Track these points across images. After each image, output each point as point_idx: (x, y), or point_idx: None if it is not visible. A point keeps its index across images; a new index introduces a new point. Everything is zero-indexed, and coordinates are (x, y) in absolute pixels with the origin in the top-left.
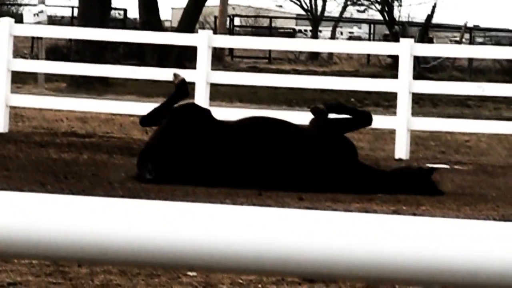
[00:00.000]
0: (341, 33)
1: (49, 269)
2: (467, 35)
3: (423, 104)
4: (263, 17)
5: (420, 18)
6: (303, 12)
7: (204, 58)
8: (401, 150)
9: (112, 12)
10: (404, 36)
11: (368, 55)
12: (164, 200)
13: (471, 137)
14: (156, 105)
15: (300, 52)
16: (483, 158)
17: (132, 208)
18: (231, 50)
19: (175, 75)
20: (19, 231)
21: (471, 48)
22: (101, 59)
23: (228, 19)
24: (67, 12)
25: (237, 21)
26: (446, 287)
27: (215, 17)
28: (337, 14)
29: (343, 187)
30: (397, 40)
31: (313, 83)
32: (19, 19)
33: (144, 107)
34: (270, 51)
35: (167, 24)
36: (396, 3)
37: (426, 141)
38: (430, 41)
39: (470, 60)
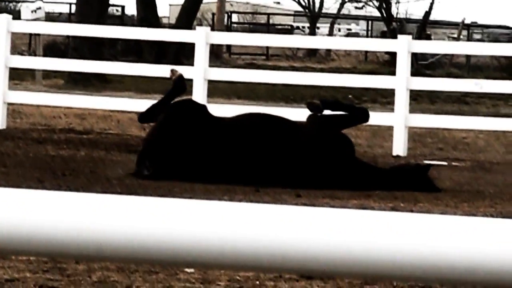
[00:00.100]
0: (339, 30)
1: (46, 266)
2: (465, 32)
3: (421, 101)
4: (261, 14)
5: (418, 15)
6: (301, 9)
7: (201, 54)
8: (399, 147)
9: (110, 8)
10: (402, 33)
11: (366, 51)
12: (162, 196)
13: (468, 134)
14: (154, 101)
15: (298, 49)
16: (480, 155)
17: (130, 205)
18: (228, 46)
19: (173, 71)
20: (17, 227)
21: (469, 45)
22: (99, 56)
23: (225, 15)
24: (64, 9)
25: (234, 17)
26: (444, 284)
27: (213, 14)
28: (335, 11)
29: (340, 183)
30: (395, 37)
31: (311, 80)
32: (17, 15)
33: (142, 104)
34: (267, 47)
35: (165, 20)
36: (394, 0)
37: (423, 138)
38: (428, 38)
39: (468, 57)
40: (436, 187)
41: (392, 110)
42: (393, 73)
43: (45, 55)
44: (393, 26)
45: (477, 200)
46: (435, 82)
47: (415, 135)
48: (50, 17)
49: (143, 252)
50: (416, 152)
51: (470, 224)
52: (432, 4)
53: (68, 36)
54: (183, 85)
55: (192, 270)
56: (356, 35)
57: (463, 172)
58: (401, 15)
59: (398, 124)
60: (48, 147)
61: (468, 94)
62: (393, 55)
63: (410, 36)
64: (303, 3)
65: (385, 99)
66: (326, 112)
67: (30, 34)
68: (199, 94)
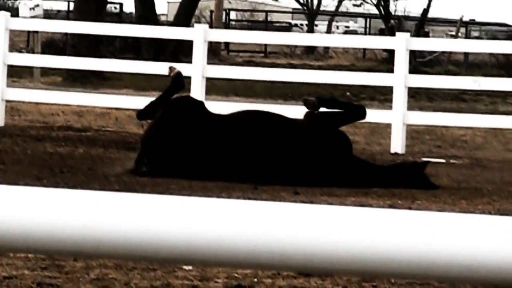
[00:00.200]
0: (337, 27)
1: (44, 263)
2: (463, 29)
3: (419, 98)
4: (259, 11)
5: (416, 12)
6: (299, 6)
7: (200, 52)
8: (397, 144)
9: (108, 6)
10: (400, 30)
11: (364, 49)
12: (160, 194)
13: (466, 131)
14: (152, 99)
15: (296, 46)
16: (478, 152)
17: (128, 202)
18: (227, 44)
19: (171, 69)
20: (15, 224)
21: (467, 42)
22: (97, 53)
23: (224, 13)
24: (63, 6)
25: (233, 15)
26: (443, 281)
27: (211, 11)
28: (333, 8)
29: (337, 180)
30: (393, 34)
31: (309, 77)
32: (15, 13)
33: (140, 101)
34: (266, 45)
35: (163, 18)
36: None
37: (422, 135)
38: (426, 35)
39: (466, 54)
40: (433, 184)
41: (390, 107)
42: (391, 70)
43: (43, 52)
44: (391, 24)
45: (475, 197)
46: (433, 80)
47: (413, 133)
48: (48, 15)
49: (141, 250)
50: (414, 150)
51: (468, 222)
52: (430, 1)
53: (66, 34)
54: (181, 82)
55: (190, 267)
56: (354, 32)
57: (461, 170)
58: (399, 13)
59: (396, 121)
60: (46, 144)
61: (466, 91)
62: (391, 53)
63: (408, 34)
64: (301, 1)
65: (383, 96)
66: (323, 109)
67: (29, 32)
68: (197, 92)
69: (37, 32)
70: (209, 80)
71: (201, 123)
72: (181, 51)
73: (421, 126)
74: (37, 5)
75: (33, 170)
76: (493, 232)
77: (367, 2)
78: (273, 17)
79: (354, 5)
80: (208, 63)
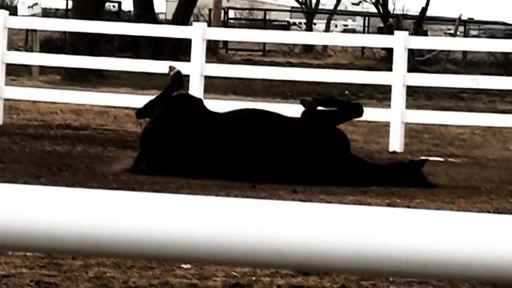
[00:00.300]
0: (336, 26)
1: (43, 262)
2: (461, 28)
3: (417, 97)
4: (258, 9)
5: (415, 11)
6: (297, 5)
7: (198, 50)
8: (395, 143)
9: (107, 4)
10: (399, 29)
11: (363, 48)
12: (158, 192)
13: (465, 130)
14: (150, 97)
15: (295, 45)
16: (477, 151)
17: (126, 201)
18: (225, 42)
19: (171, 68)
20: (13, 223)
21: (465, 41)
22: (95, 52)
23: (222, 11)
24: (61, 5)
25: (231, 13)
26: (441, 280)
27: (210, 10)
28: (331, 7)
29: (334, 178)
30: (392, 33)
31: (308, 76)
32: (13, 11)
33: (138, 100)
34: (264, 43)
35: (161, 16)
36: None
37: (420, 134)
38: (425, 34)
39: (465, 53)
40: (430, 183)
41: (388, 106)
42: (389, 69)
43: (41, 51)
44: (389, 22)
45: (473, 196)
46: (431, 78)
47: (412, 131)
48: (47, 13)
49: (139, 248)
50: (413, 148)
51: (466, 220)
52: (428, 0)
53: (64, 32)
54: (181, 80)
55: (188, 265)
56: (352, 31)
57: (460, 168)
58: (398, 11)
59: (395, 120)
60: (44, 143)
61: (464, 90)
62: (389, 51)
63: (407, 32)
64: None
65: (381, 95)
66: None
67: (27, 30)
68: (195, 90)
69: (35, 30)
70: (207, 79)
71: (200, 121)
72: (179, 49)
73: (419, 125)
74: (36, 4)
75: (32, 168)
76: (491, 230)
77: (365, 1)
78: (272, 16)
79: (353, 4)
80: (207, 61)
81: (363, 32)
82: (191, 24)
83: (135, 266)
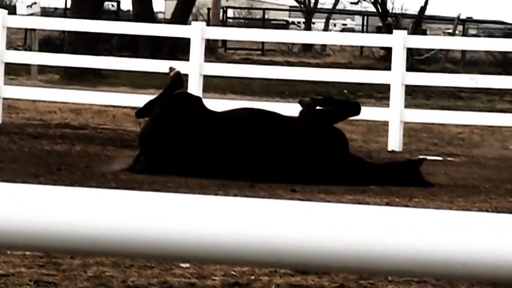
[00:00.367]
0: (334, 25)
1: (41, 261)
2: (460, 27)
3: (416, 96)
4: (257, 9)
5: (413, 10)
6: (296, 4)
7: (197, 50)
8: (394, 142)
9: (105, 3)
10: (397, 28)
11: (361, 47)
12: (157, 191)
13: (464, 129)
14: (149, 96)
15: (293, 44)
16: (475, 150)
17: (125, 200)
18: (224, 42)
19: (171, 68)
20: (12, 222)
21: (464, 40)
22: (94, 51)
23: (221, 10)
24: (60, 4)
25: (230, 12)
26: (440, 279)
27: (208, 9)
28: (330, 6)
29: (332, 177)
30: (390, 32)
31: (306, 75)
32: (12, 10)
33: (137, 99)
34: (263, 43)
35: (160, 16)
36: None
37: (419, 133)
38: (423, 33)
39: (463, 52)
40: (427, 182)
41: (387, 105)
42: (388, 68)
43: (40, 50)
44: (388, 21)
45: (472, 195)
46: (430, 77)
47: (410, 130)
48: (46, 12)
49: (138, 247)
50: (411, 147)
51: (465, 219)
52: None
53: (63, 31)
54: (180, 81)
55: (187, 265)
56: (351, 30)
57: (458, 167)
58: (397, 10)
59: (394, 119)
60: (43, 142)
61: (463, 89)
62: (388, 50)
63: (406, 31)
64: None
65: (380, 94)
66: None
67: (26, 29)
68: (194, 89)
69: (34, 29)
70: (206, 78)
71: (198, 120)
72: (178, 49)
73: (418, 124)
74: (35, 3)
75: (30, 167)
76: (490, 230)
77: (364, 0)
78: (271, 15)
79: (352, 3)
80: (206, 60)
81: (362, 31)
82: (190, 23)
83: (134, 265)
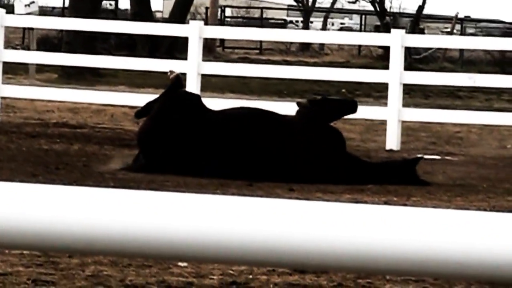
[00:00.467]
0: (332, 24)
1: (39, 260)
2: (458, 26)
3: (414, 95)
4: (254, 8)
5: (411, 9)
6: (294, 3)
7: (195, 49)
8: (392, 141)
9: (103, 3)
10: (395, 27)
11: (359, 46)
12: (155, 190)
13: (462, 128)
14: (148, 95)
15: (291, 43)
16: (474, 149)
17: (123, 199)
18: (222, 41)
19: (171, 71)
20: (10, 221)
21: (462, 39)
22: (92, 50)
23: (219, 10)
24: (58, 3)
25: (228, 12)
26: (438, 278)
27: (206, 8)
28: (328, 5)
29: (329, 176)
30: (388, 31)
31: (304, 74)
32: (10, 9)
33: (135, 98)
34: (261, 42)
35: (158, 15)
36: None
37: (417, 132)
38: (421, 32)
39: (461, 51)
40: (424, 181)
41: (385, 104)
42: (386, 67)
43: (38, 49)
44: (386, 20)
45: (470, 194)
46: (428, 76)
47: (408, 129)
48: (44, 11)
49: (136, 246)
50: (410, 146)
51: (463, 218)
52: None
53: (61, 30)
54: (180, 84)
55: (185, 264)
56: (349, 29)
57: (456, 167)
58: (395, 9)
59: (391, 118)
60: (41, 141)
61: (461, 88)
62: (386, 49)
63: (404, 30)
64: None
65: (378, 93)
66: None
67: (24, 28)
68: (192, 88)
69: (32, 29)
70: (204, 77)
71: (196, 118)
72: (176, 48)
73: (416, 123)
74: (33, 2)
75: (28, 167)
76: (488, 229)
77: None
78: (268, 14)
79: (349, 2)
80: (203, 59)
81: (360, 30)
82: (188, 22)
83: (132, 264)
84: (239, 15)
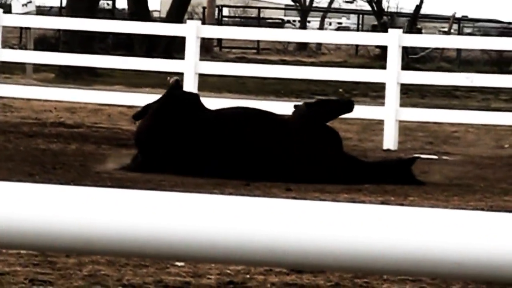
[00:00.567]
0: (330, 24)
1: (37, 259)
2: (455, 26)
3: (411, 95)
4: (252, 7)
5: (409, 8)
6: (291, 3)
7: (192, 48)
8: (389, 140)
9: (101, 2)
10: (393, 27)
11: (357, 45)
12: (152, 190)
13: (459, 128)
14: (145, 95)
15: (289, 43)
16: (471, 149)
17: (120, 199)
18: (219, 40)
19: (171, 77)
20: (7, 221)
21: (459, 39)
22: (89, 50)
23: (216, 9)
24: (55, 2)
25: (225, 11)
26: (435, 278)
27: (204, 8)
28: (325, 5)
29: (326, 175)
30: (386, 31)
31: (302, 74)
32: (7, 9)
33: (132, 98)
34: (258, 41)
35: (155, 14)
36: None
37: (414, 132)
38: (419, 31)
39: (459, 50)
40: (419, 181)
41: (382, 104)
42: (383, 67)
43: (35, 48)
44: (383, 20)
45: (467, 194)
46: (425, 76)
47: (406, 129)
48: (41, 11)
49: (133, 246)
50: (407, 146)
51: (460, 218)
52: None
53: (58, 30)
54: (179, 88)
55: (182, 263)
56: (346, 29)
57: (454, 166)
58: (392, 9)
59: (389, 118)
60: (38, 140)
61: (458, 88)
62: (383, 49)
63: (401, 30)
64: None
65: (375, 93)
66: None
67: (21, 28)
68: (189, 88)
69: (29, 28)
70: (201, 77)
71: (193, 118)
72: (173, 47)
73: (413, 123)
74: (30, 2)
75: (25, 166)
76: (485, 228)
77: None
78: (266, 14)
79: (347, 2)
80: (201, 59)
81: (357, 30)
82: (185, 22)
83: (129, 264)
84: (236, 15)
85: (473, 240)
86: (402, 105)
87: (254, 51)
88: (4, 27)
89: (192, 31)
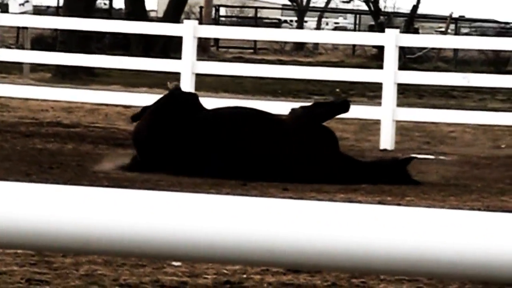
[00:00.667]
0: (327, 24)
1: (33, 259)
2: (452, 26)
3: (408, 95)
4: (249, 7)
5: (406, 8)
6: (288, 3)
7: (189, 48)
8: (386, 140)
9: (98, 2)
10: (390, 27)
11: (354, 45)
12: (149, 190)
13: (456, 128)
14: (142, 95)
15: (286, 43)
16: (468, 149)
17: (117, 198)
18: (216, 40)
19: (170, 82)
20: (4, 221)
21: (456, 39)
22: (86, 49)
23: (213, 9)
24: (52, 2)
25: (222, 11)
26: (431, 278)
27: (201, 7)
28: (322, 5)
29: (322, 175)
30: (383, 31)
31: (299, 74)
32: (4, 9)
33: (129, 97)
34: (255, 41)
35: (152, 14)
36: None
37: (411, 131)
38: (416, 31)
39: (456, 50)
40: (415, 180)
41: (379, 104)
42: (380, 67)
43: (32, 48)
44: (380, 20)
45: (464, 194)
46: (422, 76)
47: (403, 129)
48: (38, 11)
49: (130, 245)
50: (404, 146)
51: (457, 218)
52: None
53: (56, 30)
54: (178, 92)
55: (179, 263)
56: (343, 29)
57: (450, 166)
58: (389, 9)
59: (386, 118)
60: (35, 140)
61: (455, 88)
62: (380, 49)
63: (398, 30)
64: None
65: (372, 93)
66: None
67: (18, 28)
68: (186, 88)
69: (26, 28)
70: (198, 76)
71: (191, 118)
72: (170, 47)
73: (410, 123)
74: (27, 1)
75: (22, 166)
76: (482, 228)
77: None
78: (263, 14)
79: (344, 2)
80: (198, 59)
81: (354, 30)
82: (182, 22)
83: (126, 263)
84: (233, 15)
85: (470, 240)
86: (399, 105)
87: (251, 51)
88: (1, 26)
89: (189, 31)
